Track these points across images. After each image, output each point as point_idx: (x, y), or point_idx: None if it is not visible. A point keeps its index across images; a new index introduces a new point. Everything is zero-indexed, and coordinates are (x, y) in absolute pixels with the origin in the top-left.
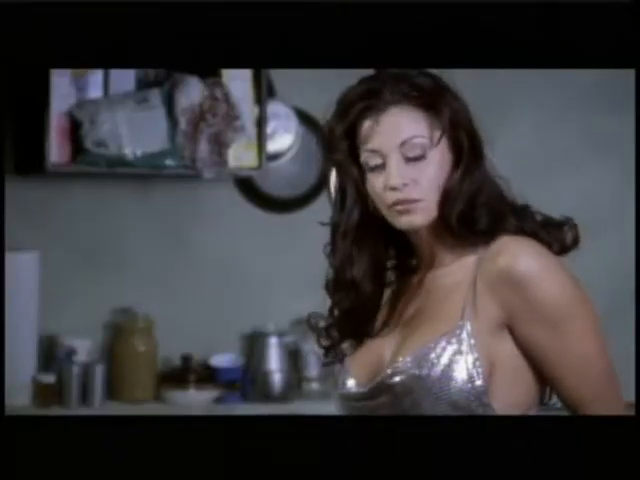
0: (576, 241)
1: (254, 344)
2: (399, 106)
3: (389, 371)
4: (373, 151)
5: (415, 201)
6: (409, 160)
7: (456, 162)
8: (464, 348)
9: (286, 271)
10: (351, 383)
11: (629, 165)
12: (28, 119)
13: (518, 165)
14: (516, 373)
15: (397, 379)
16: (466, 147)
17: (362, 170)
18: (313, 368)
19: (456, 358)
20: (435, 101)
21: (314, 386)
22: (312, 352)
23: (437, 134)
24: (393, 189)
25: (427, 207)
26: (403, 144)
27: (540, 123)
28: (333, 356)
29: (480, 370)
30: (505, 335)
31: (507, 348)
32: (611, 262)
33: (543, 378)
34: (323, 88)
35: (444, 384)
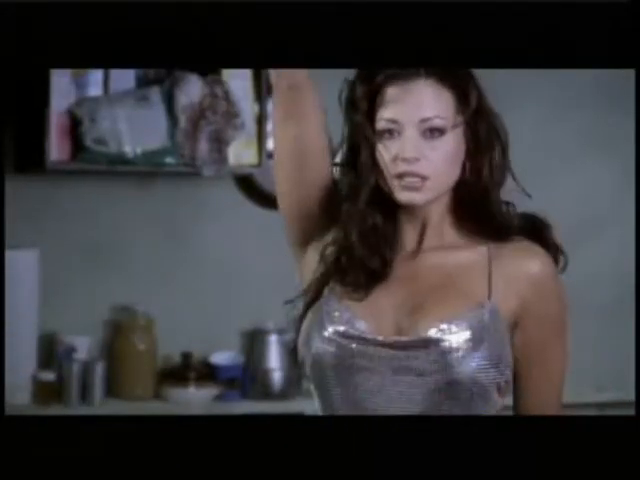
0: (564, 268)
1: (254, 342)
2: (428, 81)
3: (433, 331)
4: (391, 119)
5: (422, 178)
6: (426, 136)
7: (469, 152)
8: (486, 328)
9: (286, 268)
10: (363, 326)
11: (629, 165)
12: (28, 117)
13: (518, 165)
14: None
15: (444, 338)
16: (483, 138)
17: (375, 135)
18: None
19: (479, 336)
20: (464, 85)
21: None
22: None
23: (459, 117)
24: (405, 160)
25: (431, 187)
26: (424, 120)
27: (540, 123)
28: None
29: (495, 355)
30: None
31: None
32: (611, 261)
33: (515, 377)
34: (323, 88)
35: (466, 359)
